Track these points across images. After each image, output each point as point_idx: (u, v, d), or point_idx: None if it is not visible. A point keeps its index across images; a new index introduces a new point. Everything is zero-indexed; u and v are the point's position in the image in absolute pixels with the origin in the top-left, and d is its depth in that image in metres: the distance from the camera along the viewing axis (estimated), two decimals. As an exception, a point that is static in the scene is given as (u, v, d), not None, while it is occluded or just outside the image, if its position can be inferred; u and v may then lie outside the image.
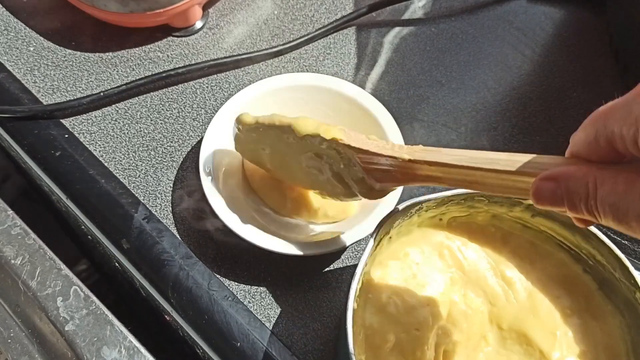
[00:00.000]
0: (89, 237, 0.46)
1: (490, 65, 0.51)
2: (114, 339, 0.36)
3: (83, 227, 0.45)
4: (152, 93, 0.47)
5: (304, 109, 0.44)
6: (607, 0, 0.53)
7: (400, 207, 0.33)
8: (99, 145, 0.44)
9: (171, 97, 0.47)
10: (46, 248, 0.39)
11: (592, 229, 0.33)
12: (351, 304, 0.30)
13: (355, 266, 0.31)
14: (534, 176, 0.25)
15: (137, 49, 0.49)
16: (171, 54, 0.49)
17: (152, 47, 0.49)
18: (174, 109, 0.46)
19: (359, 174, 0.32)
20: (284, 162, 0.37)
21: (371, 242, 0.31)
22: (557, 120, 0.48)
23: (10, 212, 0.40)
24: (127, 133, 0.45)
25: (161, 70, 0.47)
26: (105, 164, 0.43)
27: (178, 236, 0.41)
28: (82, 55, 0.48)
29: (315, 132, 0.32)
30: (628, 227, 0.21)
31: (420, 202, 0.33)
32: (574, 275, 0.35)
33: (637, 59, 0.48)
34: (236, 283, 0.40)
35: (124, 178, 0.43)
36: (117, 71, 0.48)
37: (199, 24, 0.50)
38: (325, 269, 0.41)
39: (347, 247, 0.38)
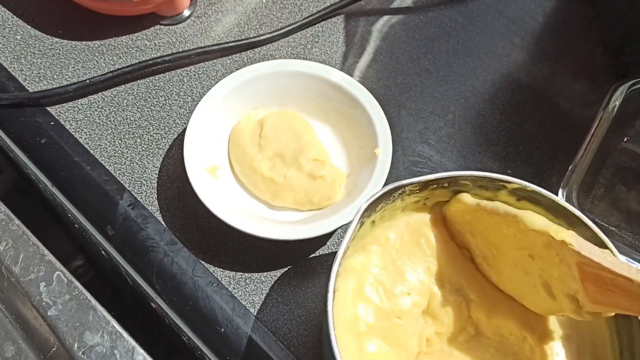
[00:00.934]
0: (76, 225, 0.46)
1: (479, 54, 0.51)
2: (96, 324, 0.36)
3: (69, 214, 0.45)
4: (138, 81, 0.47)
5: (290, 95, 0.44)
6: (597, -12, 0.53)
7: (382, 190, 0.32)
8: (85, 132, 0.44)
9: (158, 85, 0.47)
10: (30, 234, 0.39)
11: (576, 211, 0.33)
12: (331, 289, 0.30)
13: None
14: None
15: (124, 37, 0.49)
16: (158, 42, 0.49)
17: (139, 36, 0.49)
18: (161, 96, 0.46)
19: (573, 288, 0.29)
20: (489, 253, 0.35)
21: (352, 226, 0.31)
22: (546, 108, 0.48)
23: (-6, 198, 0.40)
24: (113, 120, 0.45)
25: (148, 58, 0.46)
26: (91, 151, 0.43)
27: (163, 223, 0.41)
28: (69, 44, 0.48)
29: (544, 230, 0.29)
30: None
31: (404, 186, 0.33)
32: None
33: (626, 46, 0.48)
34: (221, 269, 0.40)
35: (110, 165, 0.43)
36: (104, 59, 0.47)
37: (186, 13, 0.50)
38: (311, 255, 0.41)
39: (332, 232, 0.38)
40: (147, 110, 0.45)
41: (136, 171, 0.43)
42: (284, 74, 0.43)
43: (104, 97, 0.46)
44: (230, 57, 0.48)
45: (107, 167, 0.43)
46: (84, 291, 0.37)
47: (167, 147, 0.44)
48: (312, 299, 0.39)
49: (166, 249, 0.40)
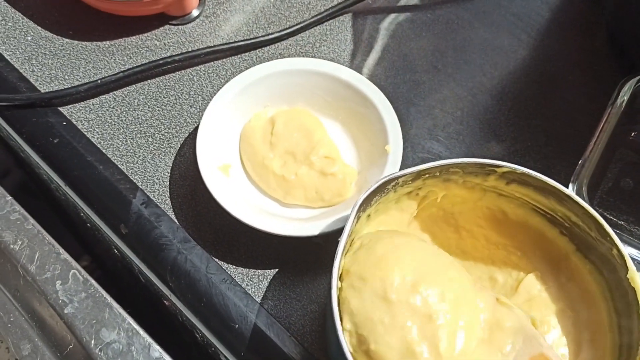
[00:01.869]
0: (88, 224, 0.47)
1: (486, 50, 0.51)
2: (112, 321, 0.36)
3: (82, 214, 0.45)
4: (149, 80, 0.47)
5: (301, 93, 0.44)
6: (602, -16, 0.53)
7: (377, 184, 0.33)
8: (97, 132, 0.44)
9: (168, 84, 0.47)
10: (45, 233, 0.39)
11: (565, 190, 0.33)
12: (334, 285, 0.30)
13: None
14: None
15: (134, 37, 0.49)
16: (168, 42, 0.49)
17: (149, 36, 0.49)
18: (171, 96, 0.46)
19: None
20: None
21: (349, 221, 0.32)
22: (553, 103, 0.48)
23: (9, 197, 0.40)
24: (125, 120, 0.45)
25: (158, 58, 0.47)
26: (104, 151, 0.44)
27: (176, 221, 0.41)
28: (79, 44, 0.48)
29: None
30: None
31: (397, 178, 0.33)
32: (550, 239, 0.36)
33: (632, 42, 0.48)
34: (234, 266, 0.40)
35: (122, 164, 0.43)
36: (115, 59, 0.48)
37: (195, 12, 0.50)
38: (323, 252, 0.41)
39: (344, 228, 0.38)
40: (158, 110, 0.46)
41: (148, 170, 0.43)
42: (293, 72, 0.44)
43: (115, 96, 0.46)
44: (239, 56, 0.49)
45: (119, 166, 0.43)
46: (100, 289, 0.37)
47: (179, 145, 0.44)
48: (324, 295, 0.39)
49: (179, 247, 0.40)
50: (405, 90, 0.48)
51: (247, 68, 0.44)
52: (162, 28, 0.50)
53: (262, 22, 0.51)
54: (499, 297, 0.33)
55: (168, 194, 0.42)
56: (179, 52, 0.48)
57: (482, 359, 0.30)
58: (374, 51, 0.50)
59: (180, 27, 0.50)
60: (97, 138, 0.44)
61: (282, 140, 0.42)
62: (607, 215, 0.43)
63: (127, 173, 0.43)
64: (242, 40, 0.48)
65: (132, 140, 0.44)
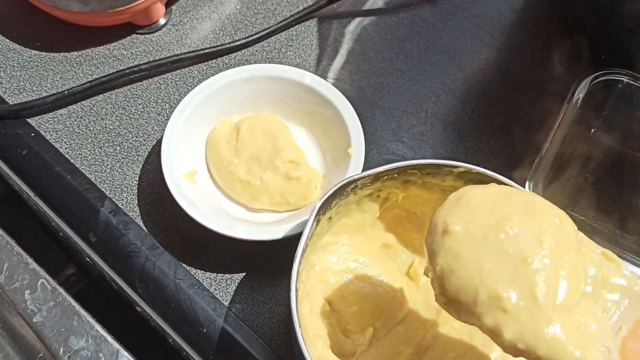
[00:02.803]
0: (61, 233, 0.47)
1: (450, 52, 0.52)
2: (80, 329, 0.37)
3: (53, 223, 0.46)
4: (116, 90, 0.48)
5: (265, 99, 0.45)
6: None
7: (334, 187, 0.33)
8: (65, 142, 0.45)
9: (136, 93, 0.47)
10: (13, 243, 0.40)
11: (519, 188, 0.34)
12: (294, 288, 0.31)
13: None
14: None
15: (101, 47, 0.50)
16: (135, 51, 0.50)
17: (116, 45, 0.50)
18: (139, 104, 0.47)
19: None
20: None
21: (308, 225, 0.32)
22: (515, 103, 0.49)
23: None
24: (93, 130, 0.46)
25: (125, 67, 0.47)
26: (72, 161, 0.44)
27: (144, 228, 0.42)
28: (47, 56, 0.49)
29: None
30: None
31: (355, 180, 0.34)
32: None
33: (589, 40, 0.49)
34: (202, 271, 0.41)
35: (90, 173, 0.44)
36: (82, 70, 0.48)
37: (162, 21, 0.51)
38: (289, 254, 0.42)
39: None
40: (126, 119, 0.46)
41: (116, 178, 0.44)
42: (258, 79, 0.44)
43: (82, 107, 0.47)
44: (206, 63, 0.49)
45: (87, 175, 0.43)
46: (68, 297, 0.38)
47: (147, 154, 0.45)
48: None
49: (148, 254, 0.41)
50: (370, 93, 0.49)
51: (213, 75, 0.44)
52: (129, 37, 0.50)
53: (228, 29, 0.52)
54: (605, 251, 0.29)
55: (136, 201, 0.43)
56: (146, 61, 0.48)
57: (584, 315, 0.27)
58: (340, 55, 0.51)
59: (147, 36, 0.51)
60: (66, 148, 0.45)
61: (247, 145, 0.43)
62: (568, 211, 0.44)
63: (95, 182, 0.43)
64: (208, 48, 0.49)
65: (100, 150, 0.45)
